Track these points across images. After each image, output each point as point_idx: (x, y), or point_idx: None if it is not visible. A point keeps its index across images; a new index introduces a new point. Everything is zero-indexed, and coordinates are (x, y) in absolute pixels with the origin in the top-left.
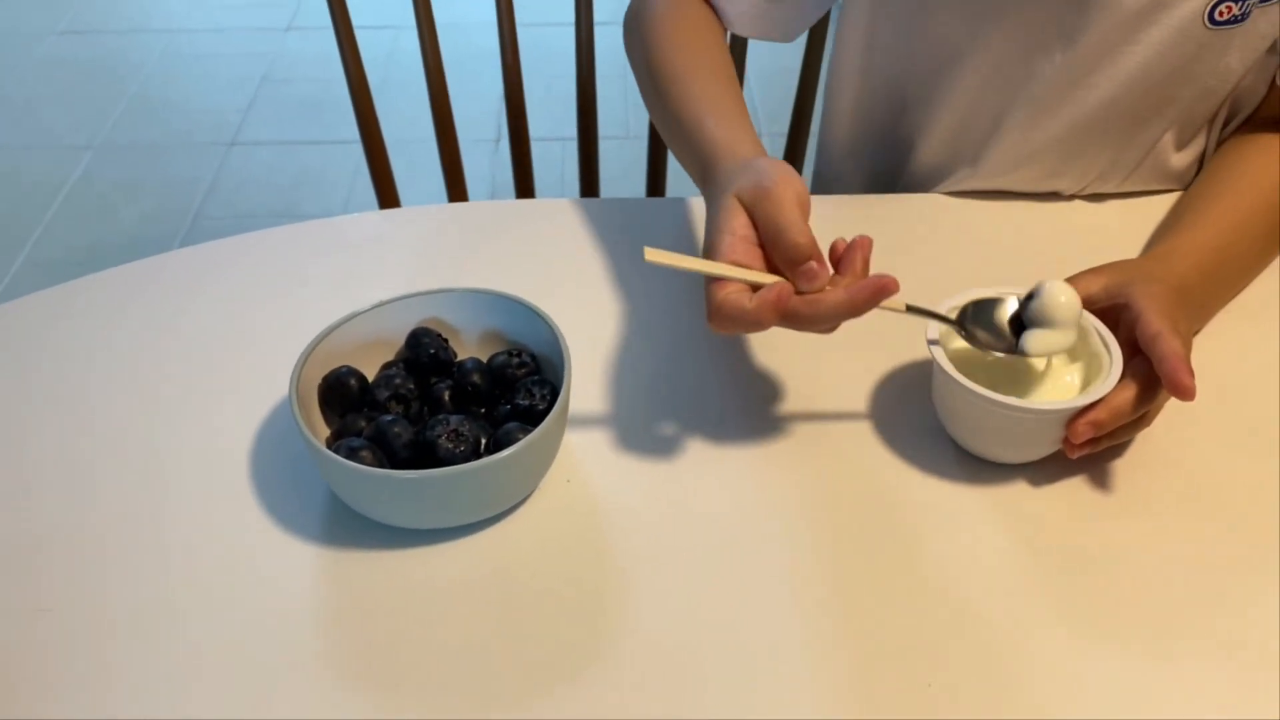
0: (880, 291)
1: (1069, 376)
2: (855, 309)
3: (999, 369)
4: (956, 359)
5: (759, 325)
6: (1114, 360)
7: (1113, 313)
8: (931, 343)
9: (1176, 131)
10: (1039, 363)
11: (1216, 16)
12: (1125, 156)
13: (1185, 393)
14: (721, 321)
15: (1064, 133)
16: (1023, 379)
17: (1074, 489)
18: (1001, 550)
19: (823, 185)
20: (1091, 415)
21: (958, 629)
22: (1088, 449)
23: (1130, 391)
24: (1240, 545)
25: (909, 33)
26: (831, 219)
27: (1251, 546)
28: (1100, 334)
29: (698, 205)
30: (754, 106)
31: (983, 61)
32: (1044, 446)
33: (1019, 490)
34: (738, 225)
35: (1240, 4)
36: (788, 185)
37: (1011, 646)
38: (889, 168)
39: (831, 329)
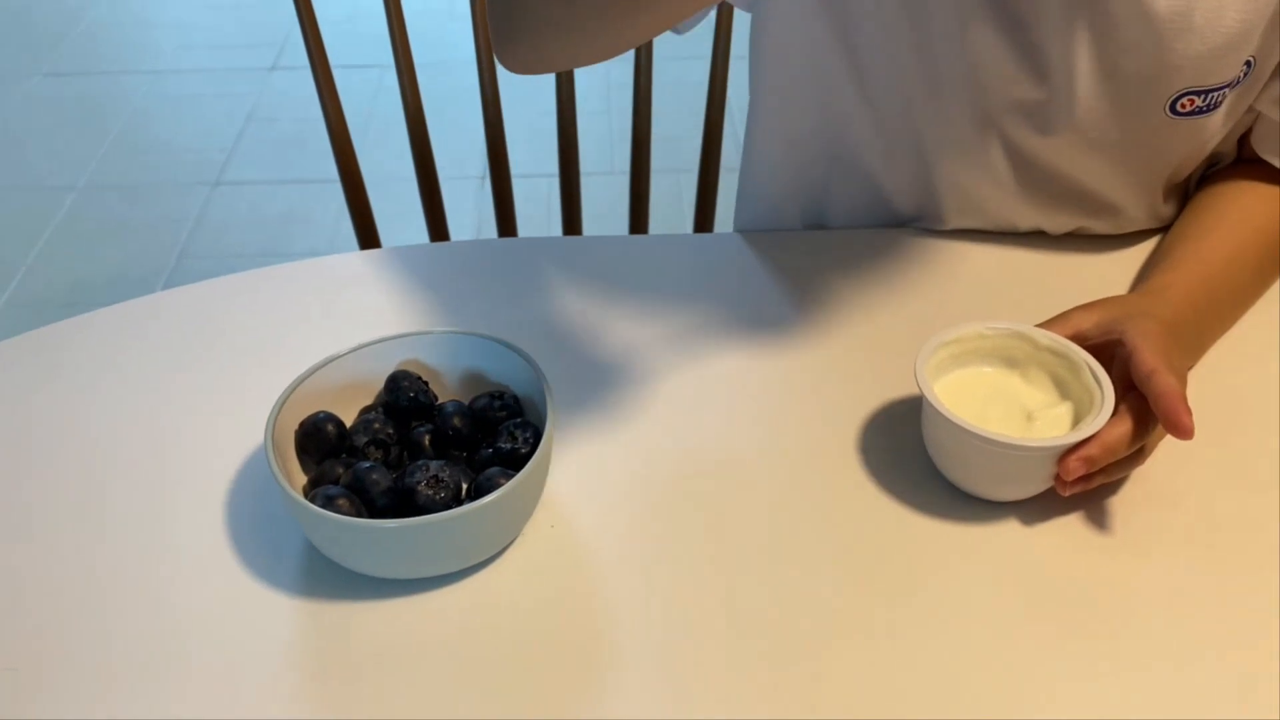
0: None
1: (1060, 412)
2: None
3: (990, 404)
4: (947, 394)
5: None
6: (1106, 396)
7: (1106, 349)
8: (921, 378)
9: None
10: (1030, 398)
11: (1179, 109)
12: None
13: (1184, 431)
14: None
15: (1035, 199)
16: (1014, 415)
17: (1066, 527)
18: (993, 590)
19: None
20: (1084, 451)
21: (951, 670)
22: (1080, 486)
23: (1123, 427)
24: (1238, 582)
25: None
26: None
27: (1249, 584)
28: (1092, 369)
29: (680, 242)
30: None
31: (941, 133)
32: (1035, 484)
33: (1010, 529)
34: None
35: (1204, 96)
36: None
37: (1007, 688)
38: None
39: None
